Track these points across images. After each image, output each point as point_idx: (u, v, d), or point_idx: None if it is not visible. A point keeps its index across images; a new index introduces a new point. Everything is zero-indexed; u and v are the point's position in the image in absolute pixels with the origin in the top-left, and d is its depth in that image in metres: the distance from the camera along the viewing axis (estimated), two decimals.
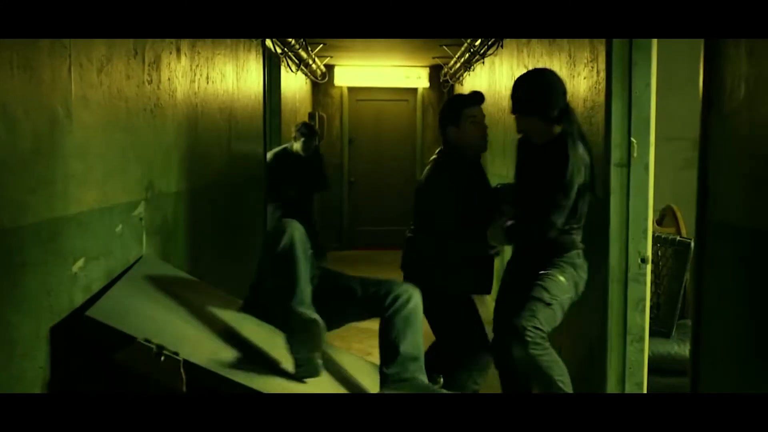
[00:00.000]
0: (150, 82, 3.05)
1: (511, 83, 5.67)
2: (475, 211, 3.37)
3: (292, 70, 7.73)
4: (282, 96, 7.18)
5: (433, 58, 9.29)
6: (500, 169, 6.01)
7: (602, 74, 3.24)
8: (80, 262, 2.35)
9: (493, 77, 6.58)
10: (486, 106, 7.04)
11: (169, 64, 3.31)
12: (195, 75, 3.79)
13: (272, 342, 2.80)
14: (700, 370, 2.54)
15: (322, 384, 2.64)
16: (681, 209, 4.25)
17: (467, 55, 7.57)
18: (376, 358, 2.93)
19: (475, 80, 8.04)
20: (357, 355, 3.56)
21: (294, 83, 8.25)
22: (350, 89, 10.04)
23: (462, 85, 9.23)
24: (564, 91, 3.19)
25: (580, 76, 3.60)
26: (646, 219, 3.16)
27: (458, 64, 8.31)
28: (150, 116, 3.05)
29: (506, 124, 5.77)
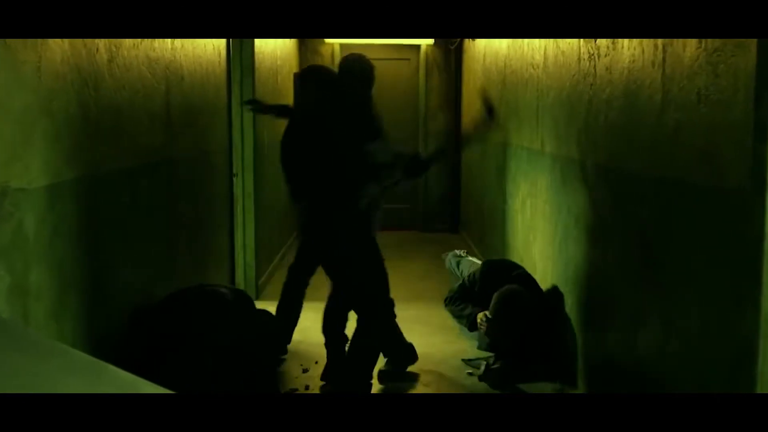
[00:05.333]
0: None
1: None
2: None
3: None
4: (257, 52, 5.85)
5: None
6: (531, 141, 4.71)
7: None
8: None
9: None
10: (511, 63, 5.77)
11: None
12: None
13: None
14: None
15: None
16: None
17: None
18: None
19: None
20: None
21: None
22: (343, 46, 8.66)
23: (473, 41, 7.87)
24: None
25: None
26: None
27: None
28: None
29: (539, 83, 4.46)
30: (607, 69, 3.14)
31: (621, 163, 2.97)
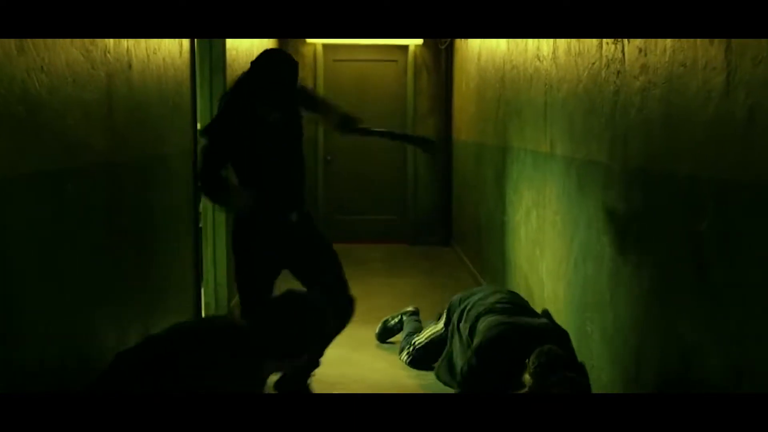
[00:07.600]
0: None
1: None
2: None
3: None
4: (230, 48, 5.29)
5: None
6: (537, 144, 4.17)
7: None
8: None
9: None
10: (512, 58, 5.24)
11: None
12: None
13: None
14: None
15: None
16: None
17: None
18: None
19: None
20: None
21: None
22: (326, 47, 8.12)
23: (466, 41, 7.34)
24: None
25: None
26: None
27: None
28: None
29: (547, 76, 3.93)
30: (640, 51, 2.60)
31: (663, 165, 2.42)
